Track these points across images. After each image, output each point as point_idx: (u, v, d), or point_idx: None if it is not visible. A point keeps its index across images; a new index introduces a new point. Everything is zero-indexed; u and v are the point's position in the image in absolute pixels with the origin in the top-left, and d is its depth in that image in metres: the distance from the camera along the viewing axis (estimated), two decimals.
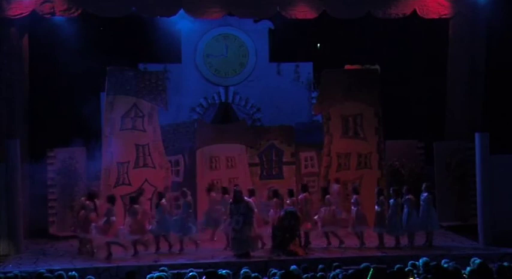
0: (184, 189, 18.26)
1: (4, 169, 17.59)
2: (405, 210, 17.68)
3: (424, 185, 18.15)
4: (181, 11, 19.77)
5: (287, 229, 16.93)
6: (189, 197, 17.91)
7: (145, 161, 19.80)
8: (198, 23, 21.89)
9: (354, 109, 20.44)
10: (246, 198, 17.22)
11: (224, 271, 12.01)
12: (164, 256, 16.94)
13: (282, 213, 17.12)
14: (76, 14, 19.14)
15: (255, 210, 17.15)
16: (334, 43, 22.36)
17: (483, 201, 17.77)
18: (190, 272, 12.16)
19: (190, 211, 17.72)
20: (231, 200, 17.26)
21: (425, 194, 17.89)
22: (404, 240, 17.66)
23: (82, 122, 20.43)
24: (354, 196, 18.04)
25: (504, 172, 17.86)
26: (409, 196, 17.73)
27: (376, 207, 17.79)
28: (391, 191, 18.03)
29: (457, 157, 20.26)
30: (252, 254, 16.75)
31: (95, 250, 17.29)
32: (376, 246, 17.58)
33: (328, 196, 18.13)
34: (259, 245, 17.22)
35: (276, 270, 12.41)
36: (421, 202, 17.88)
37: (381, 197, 17.86)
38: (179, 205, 18.19)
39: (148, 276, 11.74)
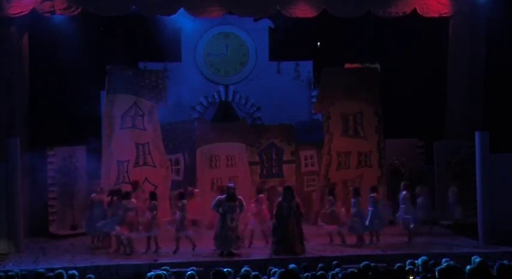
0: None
1: (4, 168, 17.59)
2: (369, 208, 17.91)
3: (402, 184, 18.46)
4: (182, 10, 19.77)
5: (286, 218, 16.85)
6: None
7: (146, 160, 19.83)
8: (198, 21, 21.88)
9: (354, 108, 20.46)
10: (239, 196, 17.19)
11: (225, 269, 12.01)
12: (164, 255, 16.93)
13: (280, 195, 17.11)
14: (76, 12, 19.14)
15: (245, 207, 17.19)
16: (334, 42, 22.34)
17: (483, 200, 17.77)
18: (191, 270, 12.18)
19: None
20: (223, 196, 17.04)
21: (404, 192, 18.19)
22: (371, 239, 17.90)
23: (82, 121, 20.50)
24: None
25: (504, 171, 17.85)
26: (373, 195, 17.97)
27: (326, 206, 17.98)
28: (352, 190, 18.36)
29: (457, 156, 20.27)
30: (237, 252, 16.72)
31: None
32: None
33: (330, 197, 18.20)
34: (243, 244, 17.14)
35: (276, 269, 12.42)
36: (400, 200, 18.17)
37: (330, 197, 18.02)
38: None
39: (148, 274, 11.74)
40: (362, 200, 18.10)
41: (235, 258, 16.30)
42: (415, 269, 12.10)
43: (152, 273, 11.57)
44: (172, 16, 20.40)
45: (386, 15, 20.03)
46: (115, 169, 19.58)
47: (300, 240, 16.96)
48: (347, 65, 21.20)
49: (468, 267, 11.31)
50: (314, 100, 22.17)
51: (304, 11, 19.89)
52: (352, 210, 17.90)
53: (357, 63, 21.14)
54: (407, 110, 21.68)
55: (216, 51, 23.15)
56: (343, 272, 11.21)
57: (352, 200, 18.01)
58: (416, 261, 12.43)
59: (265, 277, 12.16)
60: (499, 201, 17.64)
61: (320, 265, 12.85)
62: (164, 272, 11.79)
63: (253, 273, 11.50)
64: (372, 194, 17.98)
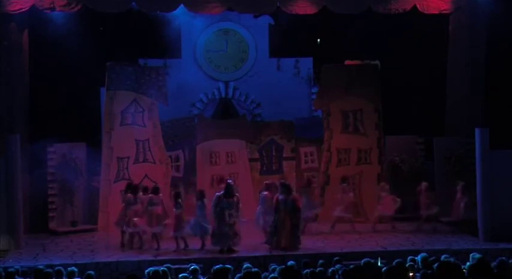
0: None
1: (4, 165, 17.59)
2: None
3: (264, 183, 18.29)
4: (182, 6, 19.73)
5: (282, 212, 16.91)
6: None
7: (146, 156, 19.86)
8: (198, 18, 21.88)
9: (354, 104, 20.48)
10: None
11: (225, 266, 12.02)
12: (164, 252, 16.92)
13: (279, 190, 17.20)
14: (76, 9, 19.07)
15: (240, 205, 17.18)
16: (334, 38, 22.33)
17: (483, 196, 17.77)
18: (191, 266, 12.19)
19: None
20: (221, 193, 17.00)
21: (265, 193, 17.79)
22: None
23: (82, 117, 20.52)
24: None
25: (504, 168, 17.83)
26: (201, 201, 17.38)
27: (174, 210, 17.27)
28: (198, 194, 17.56)
29: (457, 153, 20.24)
30: (236, 249, 16.72)
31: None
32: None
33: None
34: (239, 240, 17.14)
35: (275, 266, 12.44)
36: (260, 200, 17.90)
37: (179, 200, 17.35)
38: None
39: (146, 270, 11.75)
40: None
41: (235, 255, 16.30)
42: (416, 266, 12.10)
43: (151, 269, 11.56)
44: (172, 12, 20.37)
45: (387, 11, 19.99)
46: (115, 166, 19.62)
47: (291, 235, 16.92)
48: (347, 62, 21.20)
49: (468, 263, 11.33)
50: (314, 96, 22.18)
51: (304, 8, 19.84)
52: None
53: (357, 59, 21.13)
54: (408, 107, 21.69)
55: (216, 48, 23.14)
56: (343, 268, 11.22)
57: (198, 202, 17.32)
58: (416, 258, 12.44)
59: (266, 274, 12.16)
60: (498, 197, 17.64)
61: (320, 261, 12.84)
62: (163, 268, 11.80)
63: (253, 269, 11.51)
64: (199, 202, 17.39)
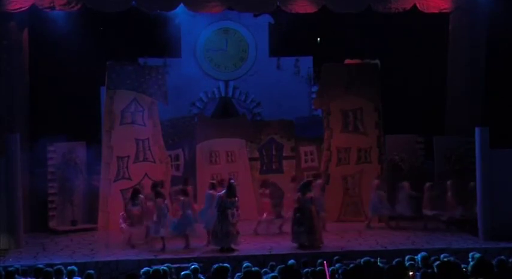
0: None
1: (4, 164, 17.58)
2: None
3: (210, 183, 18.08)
4: (181, 5, 19.74)
5: (310, 210, 16.98)
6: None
7: (146, 155, 19.86)
8: (198, 17, 21.89)
9: (354, 103, 20.48)
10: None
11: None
12: (164, 251, 16.91)
13: (299, 190, 17.22)
14: (76, 8, 19.08)
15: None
16: (334, 37, 22.33)
17: (483, 195, 17.77)
18: (191, 265, 12.20)
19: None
20: (223, 192, 16.99)
21: (210, 191, 17.54)
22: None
23: (82, 116, 20.51)
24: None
25: (504, 167, 17.83)
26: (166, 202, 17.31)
27: (132, 207, 17.37)
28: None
29: (457, 152, 20.25)
30: (237, 248, 16.73)
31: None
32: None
33: None
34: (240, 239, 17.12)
35: (274, 264, 12.45)
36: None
37: (134, 197, 17.47)
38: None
39: (143, 269, 11.74)
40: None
41: (234, 254, 16.31)
42: (415, 265, 12.11)
43: (147, 268, 11.55)
44: (172, 12, 20.38)
45: (386, 10, 19.99)
46: (115, 165, 19.63)
47: (320, 232, 17.14)
48: (347, 61, 21.19)
49: (471, 263, 11.33)
50: (314, 95, 22.18)
51: (304, 7, 19.84)
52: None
53: (357, 58, 21.12)
54: (408, 106, 21.68)
55: (215, 47, 23.14)
56: (344, 267, 11.23)
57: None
58: (416, 257, 12.44)
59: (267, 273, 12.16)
60: (498, 197, 17.64)
61: (319, 261, 12.84)
62: (164, 267, 11.80)
63: (253, 268, 11.52)
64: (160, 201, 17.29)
